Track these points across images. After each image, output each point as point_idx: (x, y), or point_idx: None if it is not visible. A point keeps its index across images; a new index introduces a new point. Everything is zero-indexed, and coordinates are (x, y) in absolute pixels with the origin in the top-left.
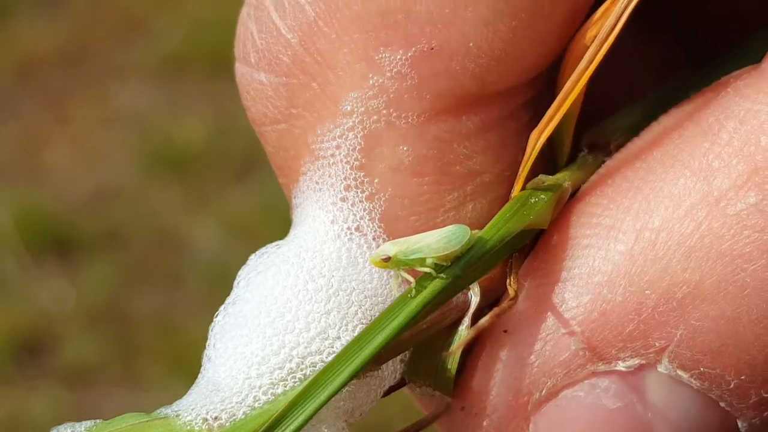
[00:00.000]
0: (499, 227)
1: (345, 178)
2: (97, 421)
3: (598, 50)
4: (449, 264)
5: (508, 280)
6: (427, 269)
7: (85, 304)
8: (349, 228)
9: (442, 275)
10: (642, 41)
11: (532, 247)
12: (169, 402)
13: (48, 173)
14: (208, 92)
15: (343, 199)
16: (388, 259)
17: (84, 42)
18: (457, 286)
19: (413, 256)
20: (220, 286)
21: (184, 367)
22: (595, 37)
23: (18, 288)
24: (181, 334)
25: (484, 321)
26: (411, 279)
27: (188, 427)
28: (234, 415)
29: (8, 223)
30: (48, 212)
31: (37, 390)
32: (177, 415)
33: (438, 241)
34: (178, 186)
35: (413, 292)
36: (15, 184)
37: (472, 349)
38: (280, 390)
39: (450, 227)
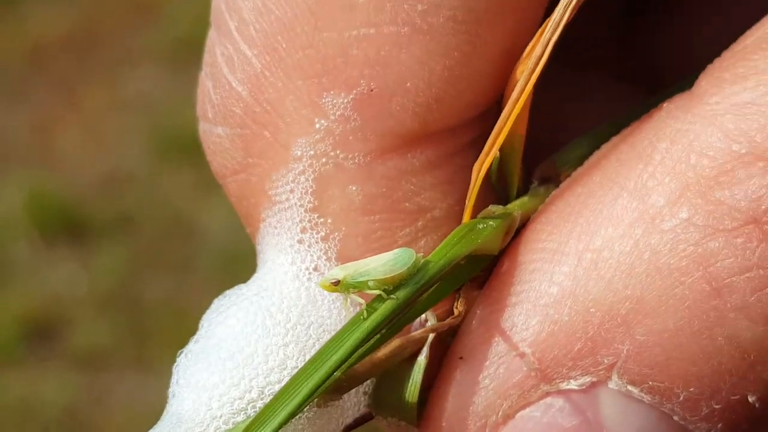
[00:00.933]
0: (446, 250)
1: (300, 221)
2: None
3: (527, 81)
4: (396, 287)
5: (455, 303)
6: (376, 292)
7: (96, 289)
8: (307, 268)
9: (393, 296)
10: (600, 84)
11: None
12: None
13: (59, 158)
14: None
15: (300, 241)
16: (337, 283)
17: (95, 27)
18: (410, 311)
19: (361, 279)
20: (231, 271)
21: None
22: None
23: (30, 272)
24: (192, 319)
25: (416, 333)
26: (362, 301)
27: None
28: None
29: (20, 208)
30: (59, 197)
31: (48, 373)
32: None
33: (384, 264)
34: (190, 171)
35: (365, 314)
36: (26, 169)
37: (432, 378)
38: (240, 419)
39: (396, 250)
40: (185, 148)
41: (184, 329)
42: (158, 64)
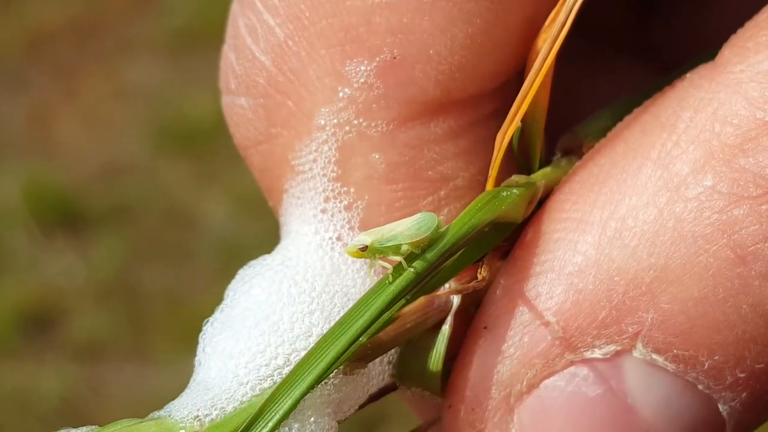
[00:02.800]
0: (470, 216)
1: (324, 190)
2: (93, 427)
3: (550, 49)
4: (422, 251)
5: (479, 269)
6: (400, 257)
7: (94, 279)
8: (330, 238)
9: (419, 260)
10: (621, 60)
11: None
12: (179, 376)
13: (57, 147)
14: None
15: (323, 211)
16: (365, 249)
17: (95, 16)
18: (434, 277)
19: (388, 244)
20: (229, 261)
21: (193, 341)
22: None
23: (27, 262)
24: (190, 309)
25: (441, 293)
26: (389, 266)
27: (180, 425)
28: (224, 411)
29: (18, 198)
30: (57, 187)
31: (46, 364)
32: (169, 415)
33: (409, 228)
34: (188, 161)
35: (390, 278)
36: (24, 159)
37: (457, 348)
38: (267, 385)
39: (418, 215)
40: (184, 138)
41: (183, 320)
42: (158, 54)
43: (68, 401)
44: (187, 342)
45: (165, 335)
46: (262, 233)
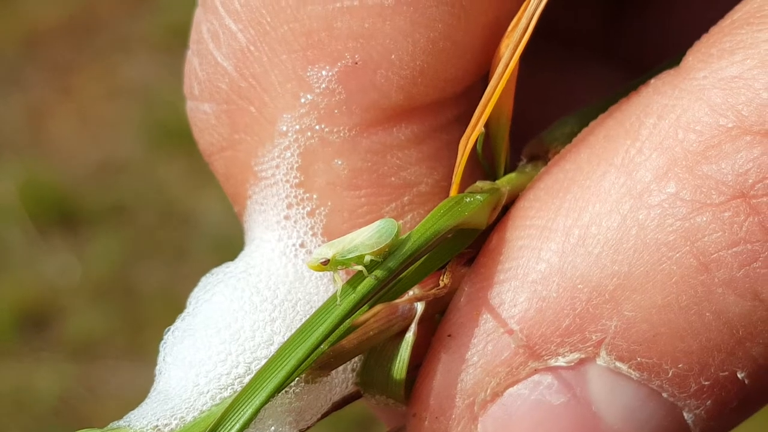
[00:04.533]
0: (433, 222)
1: (287, 197)
2: None
3: (513, 54)
4: (384, 258)
5: (441, 276)
6: (362, 267)
7: (90, 278)
8: (294, 245)
9: (380, 268)
10: (588, 65)
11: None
12: None
13: (53, 146)
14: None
15: (286, 217)
16: (326, 262)
17: (90, 14)
18: (396, 284)
19: (350, 255)
20: (225, 259)
21: None
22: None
23: (24, 261)
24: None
25: (400, 300)
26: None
27: None
28: (184, 420)
29: (14, 196)
30: (53, 185)
31: (42, 363)
32: (128, 425)
33: (370, 237)
34: (184, 159)
35: (350, 289)
36: (21, 157)
37: (422, 356)
38: (227, 394)
39: (377, 222)
40: (179, 136)
41: None
42: (153, 52)
43: (64, 400)
44: None
45: (160, 334)
46: None
